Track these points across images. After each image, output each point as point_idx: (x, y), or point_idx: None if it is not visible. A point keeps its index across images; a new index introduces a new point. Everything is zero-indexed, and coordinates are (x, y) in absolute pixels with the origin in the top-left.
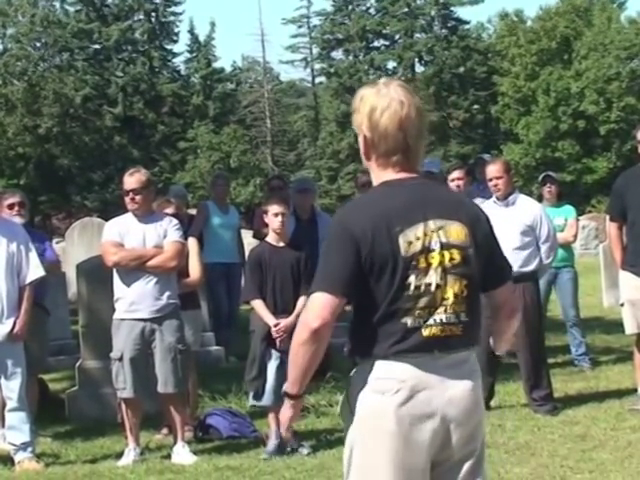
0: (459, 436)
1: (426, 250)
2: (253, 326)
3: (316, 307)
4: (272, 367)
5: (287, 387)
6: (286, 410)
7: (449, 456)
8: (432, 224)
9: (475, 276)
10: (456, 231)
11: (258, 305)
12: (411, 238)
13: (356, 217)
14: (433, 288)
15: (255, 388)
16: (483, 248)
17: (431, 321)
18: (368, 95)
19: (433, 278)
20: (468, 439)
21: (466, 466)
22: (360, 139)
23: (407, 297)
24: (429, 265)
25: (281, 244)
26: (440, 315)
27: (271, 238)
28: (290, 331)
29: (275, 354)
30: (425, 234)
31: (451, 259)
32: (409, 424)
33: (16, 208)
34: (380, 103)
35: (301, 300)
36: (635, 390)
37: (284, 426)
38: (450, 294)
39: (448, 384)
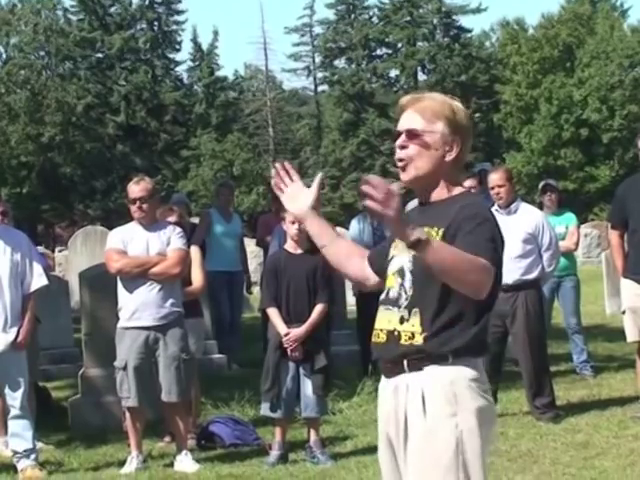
0: None
1: None
2: (270, 334)
3: (488, 272)
4: (285, 378)
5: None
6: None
7: None
8: None
9: None
10: None
11: (272, 313)
12: None
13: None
14: None
15: (270, 399)
16: None
17: None
18: (449, 102)
19: None
20: None
21: None
22: (456, 151)
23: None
24: None
25: (298, 251)
26: None
27: (289, 245)
28: (301, 341)
29: (289, 365)
30: None
31: None
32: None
33: None
34: (463, 112)
35: (317, 309)
36: (637, 398)
37: None
38: None
39: None
